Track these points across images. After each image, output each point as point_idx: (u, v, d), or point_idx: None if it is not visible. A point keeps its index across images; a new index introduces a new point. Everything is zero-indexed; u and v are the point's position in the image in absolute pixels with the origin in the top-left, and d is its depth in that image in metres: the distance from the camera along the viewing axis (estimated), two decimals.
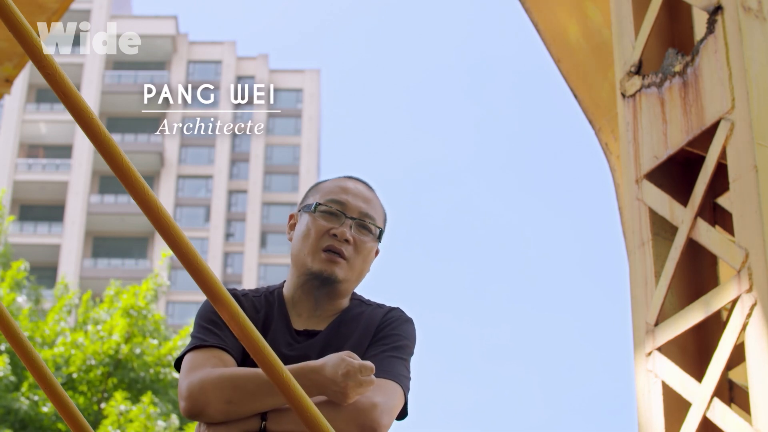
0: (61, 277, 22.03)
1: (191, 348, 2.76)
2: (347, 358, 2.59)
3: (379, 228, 2.91)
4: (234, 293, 2.87)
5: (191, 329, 2.88)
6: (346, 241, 2.84)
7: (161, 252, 19.96)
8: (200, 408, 2.63)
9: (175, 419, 18.00)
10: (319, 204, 2.88)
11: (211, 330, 2.78)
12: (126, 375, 18.46)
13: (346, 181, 2.95)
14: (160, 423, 17.61)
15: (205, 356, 2.72)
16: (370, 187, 2.97)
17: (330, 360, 2.60)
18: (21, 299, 19.52)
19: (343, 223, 2.86)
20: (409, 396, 2.81)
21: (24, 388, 17.92)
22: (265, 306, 2.88)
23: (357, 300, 2.93)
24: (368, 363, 2.61)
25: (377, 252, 2.94)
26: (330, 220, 2.87)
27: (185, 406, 2.65)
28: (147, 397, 17.64)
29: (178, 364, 2.80)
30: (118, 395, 17.65)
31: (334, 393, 2.60)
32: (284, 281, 2.96)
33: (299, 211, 2.95)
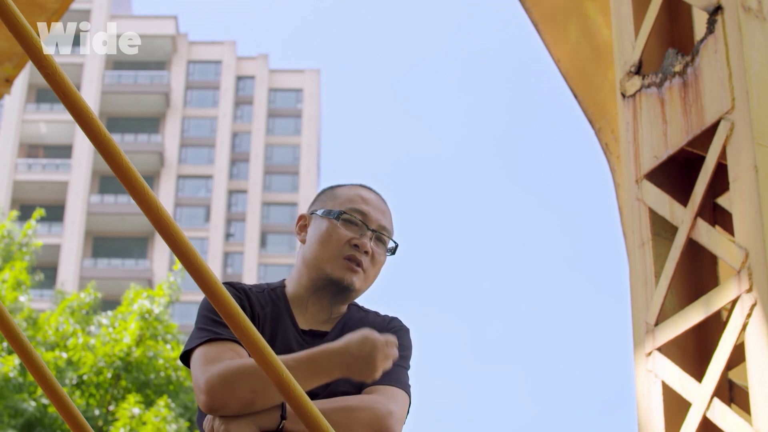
0: (60, 283, 22.06)
1: (205, 341, 2.73)
2: (370, 335, 2.62)
3: (394, 242, 2.95)
4: (241, 287, 2.88)
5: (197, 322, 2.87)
6: (366, 252, 2.87)
7: (175, 258, 19.94)
8: (223, 401, 2.61)
9: (182, 423, 17.98)
10: (343, 212, 2.90)
11: (222, 323, 2.76)
12: (136, 378, 18.45)
13: (362, 190, 2.98)
14: (173, 426, 17.60)
15: (220, 349, 2.70)
16: (383, 199, 3.01)
17: (353, 339, 2.62)
18: (23, 298, 19.50)
19: (363, 235, 2.89)
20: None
21: (32, 389, 17.90)
22: (270, 303, 2.89)
23: (354, 305, 2.97)
24: (390, 336, 2.63)
25: None
26: (352, 229, 2.89)
27: (206, 399, 2.62)
28: (162, 400, 17.62)
29: (184, 358, 2.78)
30: (131, 398, 17.65)
31: (360, 371, 2.61)
32: (284, 279, 2.97)
33: (312, 213, 2.96)
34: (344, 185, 3.00)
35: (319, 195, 3.01)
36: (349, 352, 2.60)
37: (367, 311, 2.96)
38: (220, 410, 2.62)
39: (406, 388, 2.79)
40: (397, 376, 2.77)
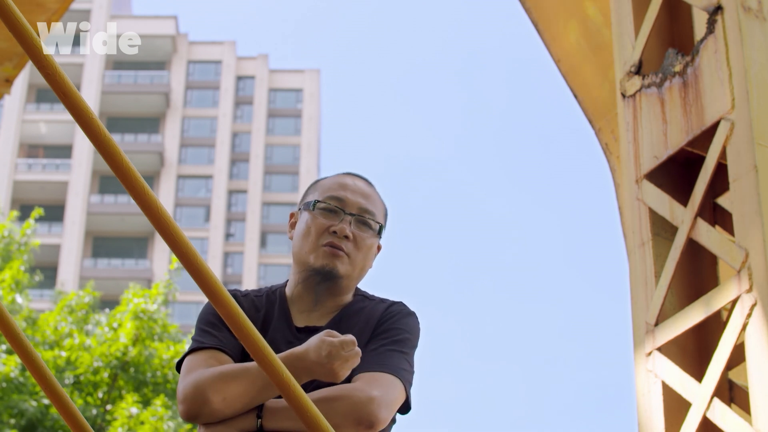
0: (60, 283, 22.06)
1: (189, 352, 2.77)
2: (326, 338, 2.58)
3: (378, 223, 2.91)
4: (234, 294, 2.88)
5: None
6: (346, 237, 2.84)
7: (172, 258, 20.02)
8: (197, 409, 2.63)
9: (182, 423, 18.01)
10: (318, 201, 2.88)
11: (209, 332, 2.78)
12: (134, 377, 18.46)
13: (345, 177, 2.95)
14: (170, 424, 17.62)
15: (201, 358, 2.73)
16: (369, 183, 2.97)
17: (311, 343, 2.59)
18: (21, 299, 19.47)
19: (342, 220, 2.85)
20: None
21: (36, 390, 17.90)
22: (266, 305, 2.89)
23: (360, 296, 2.92)
24: (348, 337, 2.58)
25: (379, 248, 2.94)
26: (329, 217, 2.87)
27: (182, 408, 2.66)
28: (160, 399, 17.65)
29: (179, 369, 2.80)
30: (129, 397, 17.67)
31: (323, 375, 2.59)
32: (287, 281, 2.96)
33: (299, 209, 2.96)
34: (328, 176, 2.98)
35: (306, 190, 3.00)
36: (309, 359, 2.58)
37: (372, 299, 2.91)
38: (196, 418, 2.65)
39: (397, 372, 2.72)
40: (386, 361, 2.72)
